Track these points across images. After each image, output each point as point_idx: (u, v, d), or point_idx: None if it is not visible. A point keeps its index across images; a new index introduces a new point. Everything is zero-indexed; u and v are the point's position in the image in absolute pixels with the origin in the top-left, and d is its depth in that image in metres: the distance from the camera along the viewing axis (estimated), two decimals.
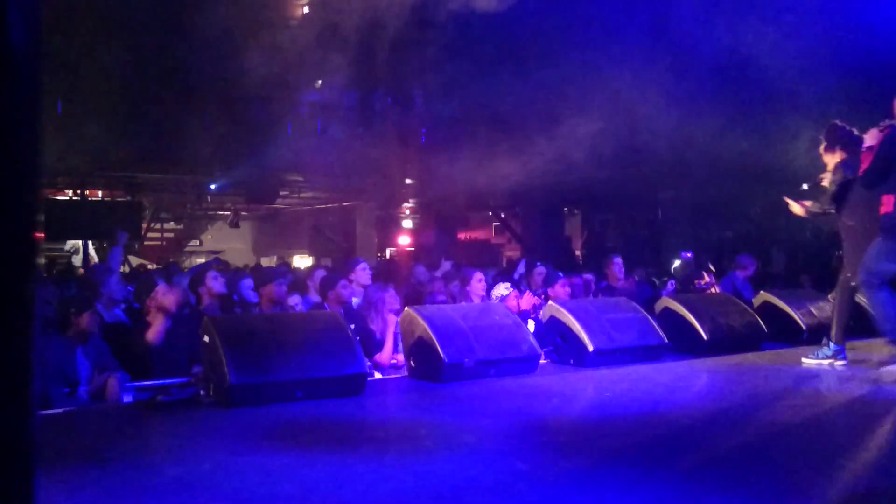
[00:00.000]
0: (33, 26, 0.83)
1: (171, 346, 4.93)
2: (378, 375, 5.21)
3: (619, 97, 9.06)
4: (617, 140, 10.17)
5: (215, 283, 5.88)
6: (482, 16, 7.54)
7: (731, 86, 9.20)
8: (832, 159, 5.24)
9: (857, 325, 5.52)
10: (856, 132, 5.20)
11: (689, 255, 8.41)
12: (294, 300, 6.03)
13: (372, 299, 5.82)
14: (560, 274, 7.55)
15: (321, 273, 6.94)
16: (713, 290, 7.60)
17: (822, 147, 5.32)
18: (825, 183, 5.35)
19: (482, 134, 11.78)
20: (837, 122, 5.30)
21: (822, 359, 5.13)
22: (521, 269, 8.78)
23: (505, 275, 9.07)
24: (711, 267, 8.50)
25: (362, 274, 6.59)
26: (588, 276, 7.97)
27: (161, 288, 5.11)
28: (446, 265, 9.97)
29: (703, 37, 8.56)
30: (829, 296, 7.51)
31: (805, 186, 5.43)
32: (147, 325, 4.99)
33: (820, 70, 7.92)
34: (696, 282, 7.89)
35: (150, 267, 15.13)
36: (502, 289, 6.42)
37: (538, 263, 8.21)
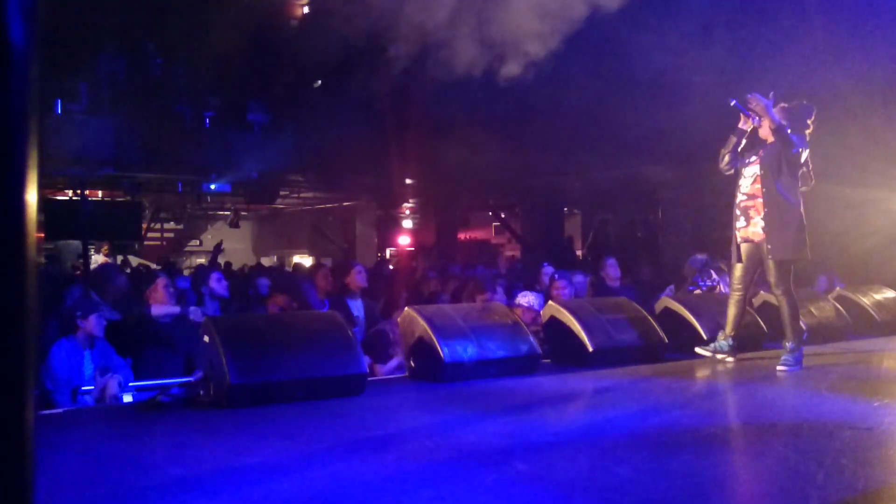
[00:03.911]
0: (32, 23, 0.83)
1: (171, 347, 4.95)
2: (378, 375, 5.22)
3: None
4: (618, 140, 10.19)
5: (218, 286, 5.92)
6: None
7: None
8: (778, 120, 5.13)
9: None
10: (810, 126, 5.18)
11: (702, 256, 8.41)
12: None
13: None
14: (562, 273, 7.54)
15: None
16: (718, 288, 7.59)
17: (782, 104, 5.20)
18: (762, 132, 5.26)
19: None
20: (812, 108, 5.21)
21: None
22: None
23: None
24: (723, 267, 8.49)
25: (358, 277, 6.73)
26: (583, 276, 7.93)
27: (161, 280, 5.21)
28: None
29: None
30: (830, 296, 7.54)
31: (732, 103, 5.26)
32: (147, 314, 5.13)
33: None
34: (704, 281, 7.86)
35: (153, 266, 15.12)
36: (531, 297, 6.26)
37: (545, 263, 8.20)
